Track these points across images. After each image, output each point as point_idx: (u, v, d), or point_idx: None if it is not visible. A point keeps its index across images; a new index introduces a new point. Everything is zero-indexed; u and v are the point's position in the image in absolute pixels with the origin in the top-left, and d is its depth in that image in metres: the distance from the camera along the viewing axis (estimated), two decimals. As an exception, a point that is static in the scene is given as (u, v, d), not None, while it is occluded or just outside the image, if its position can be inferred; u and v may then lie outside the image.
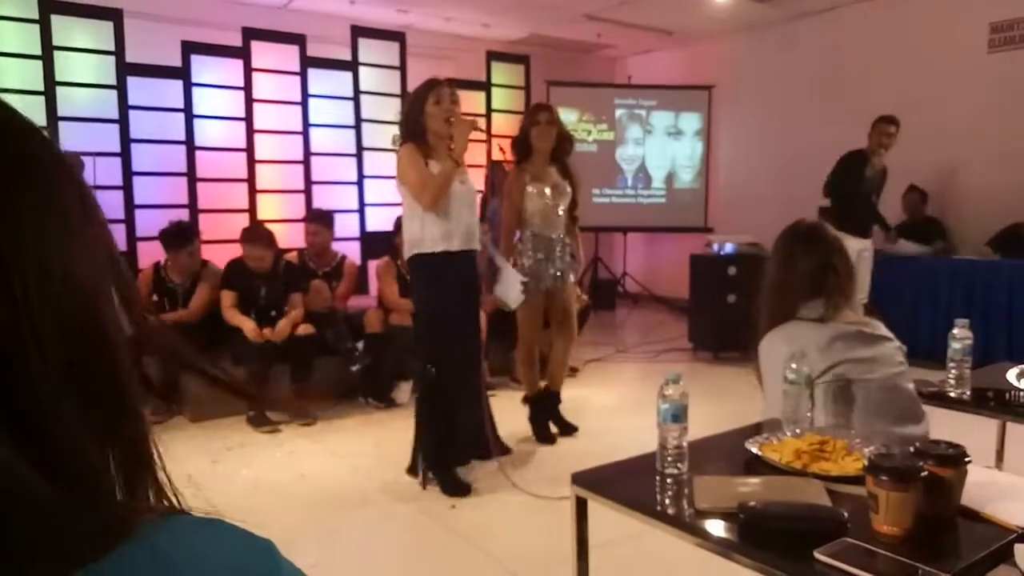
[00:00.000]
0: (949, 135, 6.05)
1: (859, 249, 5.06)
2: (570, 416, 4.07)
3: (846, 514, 1.33)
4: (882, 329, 2.06)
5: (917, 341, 5.43)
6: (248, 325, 4.07)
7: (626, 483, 1.60)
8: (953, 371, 2.17)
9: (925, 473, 1.32)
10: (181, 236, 4.34)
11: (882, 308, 5.08)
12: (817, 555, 1.23)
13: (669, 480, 1.58)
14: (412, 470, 3.28)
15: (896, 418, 1.92)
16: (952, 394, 2.16)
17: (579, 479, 1.61)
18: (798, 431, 1.77)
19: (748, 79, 7.63)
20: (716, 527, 1.38)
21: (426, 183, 3.01)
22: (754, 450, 1.70)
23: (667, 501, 1.52)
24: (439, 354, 3.11)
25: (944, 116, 6.07)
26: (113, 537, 0.39)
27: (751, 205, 7.40)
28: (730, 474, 1.62)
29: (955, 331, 2.16)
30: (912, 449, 1.41)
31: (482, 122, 3.09)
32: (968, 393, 2.14)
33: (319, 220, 4.85)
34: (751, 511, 1.35)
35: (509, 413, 4.15)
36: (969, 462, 1.40)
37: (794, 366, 1.84)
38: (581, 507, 1.61)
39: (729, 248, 5.82)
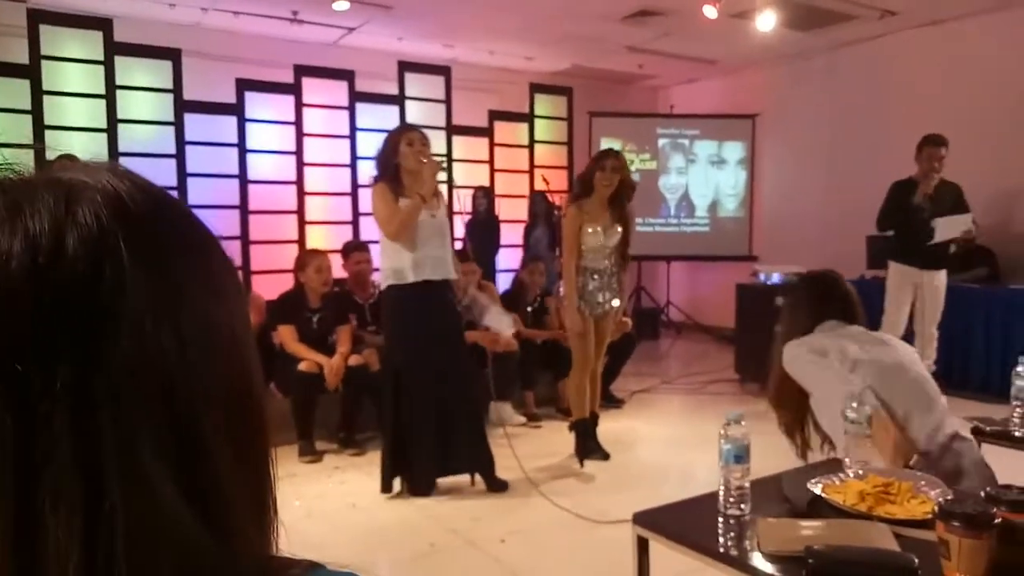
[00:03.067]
0: (1002, 161, 5.93)
1: (917, 283, 4.89)
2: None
3: (916, 560, 1.31)
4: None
5: (969, 373, 5.31)
6: (329, 364, 4.11)
7: (688, 524, 1.60)
8: (1018, 409, 2.13)
9: (999, 519, 1.30)
10: None
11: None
12: (889, 602, 1.21)
13: (732, 521, 1.57)
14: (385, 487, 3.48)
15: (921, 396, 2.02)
16: (1017, 433, 2.12)
17: (641, 519, 1.61)
18: (860, 472, 1.75)
19: (792, 108, 7.60)
20: (784, 571, 1.37)
21: (392, 216, 3.31)
22: (817, 491, 1.68)
23: (731, 543, 1.51)
24: (406, 377, 3.37)
25: (998, 143, 5.96)
26: None
27: (796, 233, 7.32)
28: (792, 515, 1.61)
29: (1019, 368, 2.12)
30: (983, 495, 1.39)
31: (444, 164, 3.45)
32: (1035, 433, 2.09)
33: (364, 248, 4.92)
34: (819, 555, 1.34)
35: (557, 444, 4.15)
36: (1044, 508, 1.37)
37: (855, 405, 1.82)
38: (642, 547, 1.61)
39: (776, 278, 5.76)
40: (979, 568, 1.27)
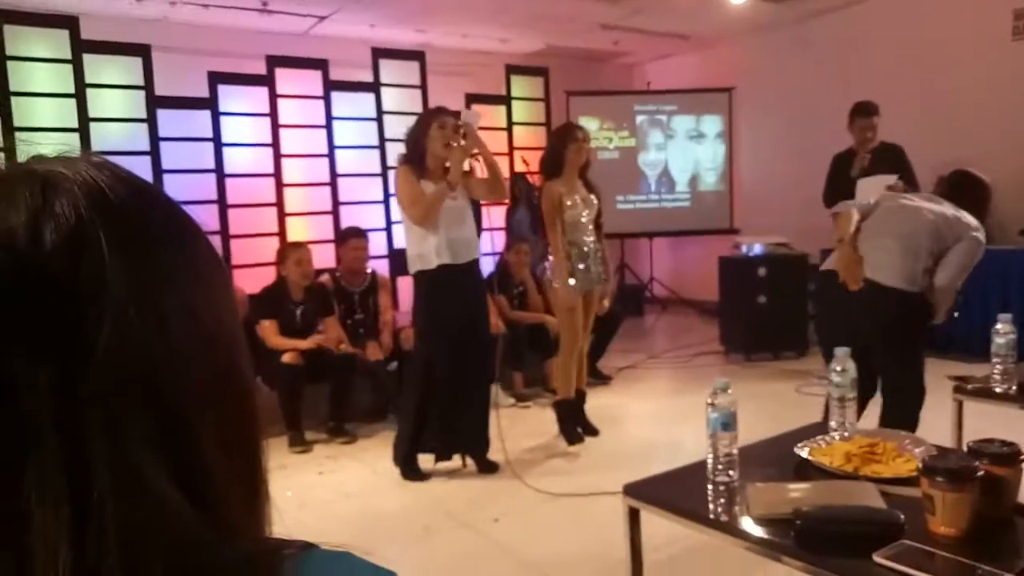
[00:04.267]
0: (975, 125, 5.99)
1: None
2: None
3: (902, 516, 1.34)
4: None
5: (951, 335, 5.37)
6: (304, 343, 4.19)
7: (678, 492, 1.62)
8: (998, 366, 2.16)
9: (981, 473, 1.32)
10: None
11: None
12: (876, 558, 1.24)
13: (721, 487, 1.59)
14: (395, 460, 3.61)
15: None
16: (998, 389, 2.15)
17: (631, 490, 1.63)
18: (847, 434, 1.78)
19: (767, 79, 7.61)
20: (773, 533, 1.39)
21: (416, 200, 3.32)
22: (803, 454, 1.71)
23: (721, 509, 1.53)
24: (436, 362, 3.40)
25: (969, 106, 6.01)
26: (262, 573, 0.42)
27: (775, 205, 7.36)
28: (780, 479, 1.63)
29: (999, 326, 2.16)
30: (967, 449, 1.42)
31: (475, 148, 3.43)
32: (1014, 388, 2.13)
33: (363, 236, 4.89)
34: (808, 516, 1.36)
35: (547, 423, 4.17)
36: (1024, 460, 1.40)
37: (838, 368, 1.84)
38: (634, 517, 1.62)
39: (758, 249, 5.79)
40: (962, 521, 1.30)
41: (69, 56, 5.25)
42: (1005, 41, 5.90)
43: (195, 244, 0.46)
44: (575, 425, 3.99)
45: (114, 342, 0.38)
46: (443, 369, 3.40)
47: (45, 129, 5.17)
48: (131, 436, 0.38)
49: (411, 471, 3.53)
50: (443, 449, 3.56)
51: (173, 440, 0.40)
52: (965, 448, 1.47)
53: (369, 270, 4.91)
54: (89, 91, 5.33)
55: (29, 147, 0.45)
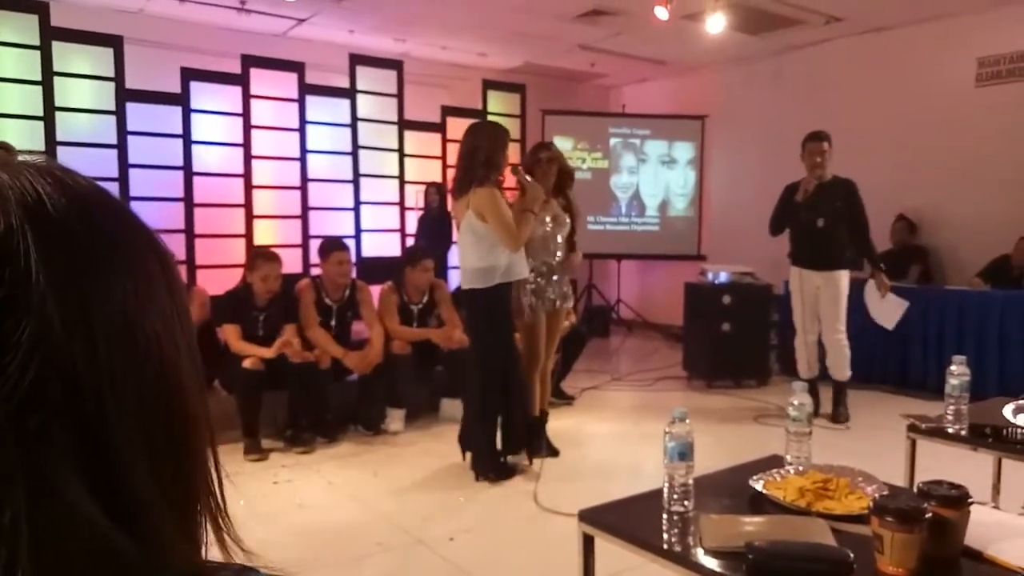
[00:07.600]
0: (938, 167, 6.16)
1: (819, 284, 4.74)
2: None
3: (852, 555, 1.35)
4: None
5: (908, 372, 5.49)
6: (268, 352, 4.10)
7: (633, 521, 1.61)
8: (951, 407, 2.20)
9: (930, 514, 1.34)
10: None
11: (872, 338, 5.07)
12: (825, 596, 1.24)
13: (676, 517, 1.59)
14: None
15: None
16: (950, 430, 2.19)
17: (586, 516, 1.62)
18: (801, 468, 1.79)
19: (740, 109, 7.74)
20: (725, 566, 1.39)
21: (511, 224, 3.49)
22: (759, 487, 1.72)
23: (674, 539, 1.53)
24: (514, 365, 3.67)
25: (933, 148, 6.18)
26: None
27: (743, 233, 7.45)
28: (735, 511, 1.64)
29: (953, 368, 2.19)
30: (916, 490, 1.44)
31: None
32: (965, 429, 2.17)
33: (345, 248, 4.70)
34: (759, 551, 1.36)
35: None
36: (972, 503, 1.42)
37: (796, 403, 1.86)
38: (588, 544, 1.62)
39: (724, 277, 5.86)
40: (910, 561, 1.31)
41: (37, 42, 5.13)
42: (969, 87, 6.08)
43: (142, 255, 0.44)
44: (543, 440, 3.98)
45: (34, 357, 0.36)
46: (517, 375, 3.69)
47: (9, 116, 5.05)
48: (50, 455, 0.36)
49: (504, 471, 3.66)
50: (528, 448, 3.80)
51: (98, 461, 0.38)
52: (916, 488, 1.48)
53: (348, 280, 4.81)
54: (57, 80, 5.22)
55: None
